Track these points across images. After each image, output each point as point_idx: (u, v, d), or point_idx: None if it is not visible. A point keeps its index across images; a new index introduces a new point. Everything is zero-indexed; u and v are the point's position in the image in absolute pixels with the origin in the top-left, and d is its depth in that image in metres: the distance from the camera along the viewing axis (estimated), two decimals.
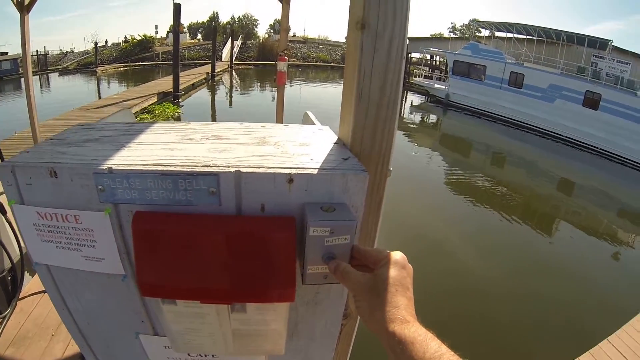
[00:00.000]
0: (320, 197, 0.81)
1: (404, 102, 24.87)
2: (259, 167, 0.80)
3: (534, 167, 13.88)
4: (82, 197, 0.82)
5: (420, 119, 21.10)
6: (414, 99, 26.39)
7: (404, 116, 20.34)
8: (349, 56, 0.93)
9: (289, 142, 1.00)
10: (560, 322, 4.95)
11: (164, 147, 0.92)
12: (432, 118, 21.72)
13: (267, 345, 0.93)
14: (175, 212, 0.81)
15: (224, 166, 0.80)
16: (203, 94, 23.58)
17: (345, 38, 0.98)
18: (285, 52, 4.76)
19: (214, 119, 16.10)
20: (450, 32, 65.12)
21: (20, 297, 3.06)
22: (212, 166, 0.80)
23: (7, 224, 2.99)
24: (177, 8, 17.06)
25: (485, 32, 29.50)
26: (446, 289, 5.41)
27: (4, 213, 2.92)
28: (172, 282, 0.77)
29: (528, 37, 24.20)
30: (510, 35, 25.03)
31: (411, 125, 18.81)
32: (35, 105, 5.70)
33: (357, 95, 0.88)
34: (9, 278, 2.99)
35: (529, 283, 5.88)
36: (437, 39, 44.86)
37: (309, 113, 1.57)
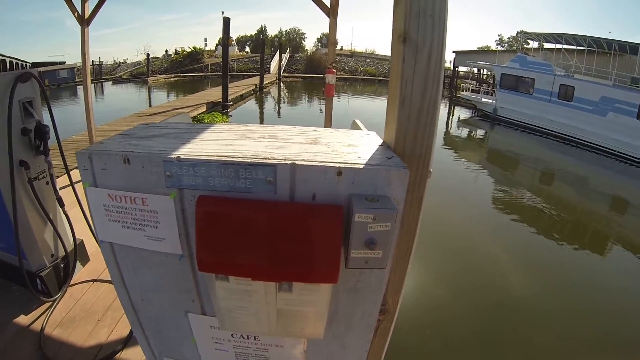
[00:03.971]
0: (365, 189, 0.88)
1: (451, 116, 24.35)
2: (312, 161, 0.89)
3: (585, 184, 13.20)
4: (150, 182, 0.94)
5: (467, 133, 20.49)
6: (461, 113, 25.64)
7: (451, 131, 19.92)
8: (393, 66, 1.01)
9: (339, 142, 1.08)
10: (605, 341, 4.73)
11: (225, 144, 1.03)
12: (480, 133, 20.97)
13: (308, 327, 1.00)
14: (223, 197, 0.91)
15: (280, 159, 0.89)
16: (251, 105, 24.04)
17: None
18: (333, 65, 4.82)
19: None
20: (497, 44, 63.63)
21: (70, 283, 3.29)
22: (269, 159, 0.89)
23: (64, 216, 3.20)
24: (226, 22, 17.69)
25: (533, 44, 28.58)
26: (484, 303, 5.27)
27: (62, 205, 3.13)
28: (227, 259, 0.87)
29: (578, 47, 23.03)
30: (559, 46, 23.94)
31: (458, 140, 18.38)
32: (93, 111, 6.03)
33: (400, 101, 0.95)
34: (62, 265, 3.24)
35: (571, 302, 5.65)
36: (484, 51, 43.90)
37: (357, 121, 1.63)
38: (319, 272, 0.86)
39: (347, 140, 1.12)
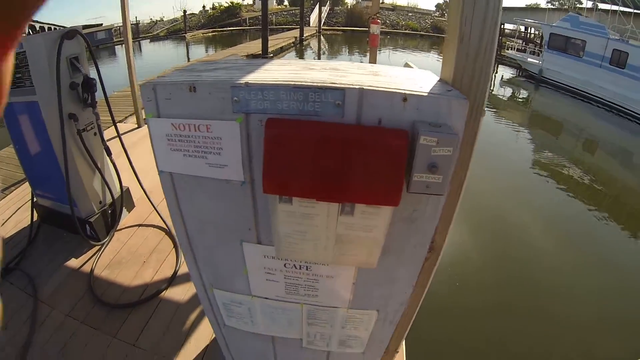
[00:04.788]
0: (428, 116, 0.91)
1: (494, 74, 23.42)
2: (379, 87, 0.91)
3: (630, 158, 12.62)
4: (216, 109, 0.97)
5: (510, 94, 19.49)
6: (504, 73, 24.35)
7: (493, 90, 18.94)
8: (452, 4, 1.02)
9: (399, 76, 1.10)
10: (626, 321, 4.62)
11: (290, 72, 1.06)
12: (523, 94, 19.91)
13: (363, 255, 1.06)
14: (292, 118, 0.94)
15: (349, 84, 0.92)
16: (291, 57, 23.60)
17: None
18: (377, 15, 4.75)
19: None
20: (547, 2, 60.00)
21: (118, 228, 3.49)
22: (338, 84, 0.92)
23: (111, 165, 3.34)
24: None
25: (587, 4, 26.75)
26: (513, 275, 5.22)
27: (110, 155, 3.27)
28: (294, 180, 0.91)
29: (635, 10, 21.24)
30: (615, 7, 22.35)
31: (500, 100, 17.60)
32: (135, 67, 6.15)
33: (459, 39, 0.96)
34: (109, 212, 3.43)
35: (602, 278, 5.52)
36: (533, 9, 41.57)
37: (410, 62, 1.66)
38: (383, 194, 0.90)
39: (406, 75, 1.14)
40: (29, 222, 3.60)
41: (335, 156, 0.88)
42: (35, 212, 3.57)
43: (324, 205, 0.97)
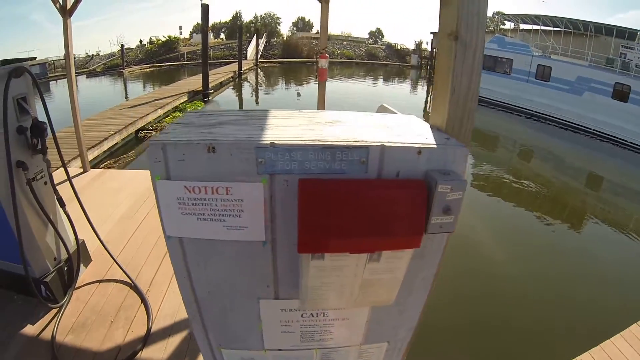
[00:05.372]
0: (437, 165, 1.01)
1: (429, 96, 24.57)
2: (396, 143, 0.99)
3: (562, 162, 13.80)
4: (237, 170, 0.95)
5: None
6: None
7: (430, 110, 20.13)
8: (442, 59, 1.17)
9: (401, 126, 1.20)
10: (570, 321, 4.88)
11: (304, 129, 1.08)
12: None
13: (384, 294, 1.14)
14: (323, 178, 0.97)
15: (371, 141, 0.98)
16: (230, 92, 23.88)
17: (436, 45, 1.23)
18: (325, 50, 4.84)
19: None
20: None
21: (76, 286, 3.23)
22: (361, 141, 0.97)
23: (64, 217, 3.12)
24: (205, 9, 17.38)
25: (510, 25, 28.97)
26: (467, 289, 5.37)
27: (63, 205, 3.06)
28: (329, 238, 0.94)
29: (555, 29, 23.61)
30: (536, 27, 24.53)
31: (386, 106, 18.65)
32: (78, 105, 5.96)
33: (451, 91, 1.12)
34: (65, 269, 3.16)
35: (550, 279, 5.86)
36: None
37: (386, 105, 1.71)
38: (407, 239, 0.99)
39: (407, 124, 1.24)
40: None
41: (366, 210, 0.93)
42: None
43: (353, 256, 1.01)
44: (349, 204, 0.93)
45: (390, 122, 1.26)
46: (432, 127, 1.20)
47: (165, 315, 2.93)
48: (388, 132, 1.10)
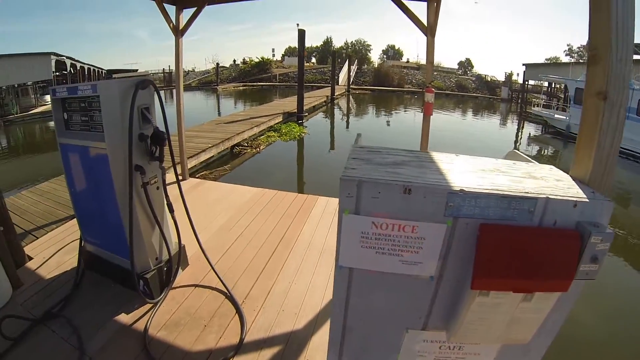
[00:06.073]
0: (588, 217, 1.10)
1: (520, 132, 23.39)
2: (557, 195, 1.10)
3: None
4: (427, 211, 1.08)
5: (538, 151, 19.13)
6: (531, 130, 24.22)
7: (520, 147, 18.83)
8: (588, 116, 1.26)
9: (546, 177, 1.28)
10: None
11: (477, 176, 1.20)
12: (552, 151, 19.48)
13: (523, 333, 1.22)
14: (501, 224, 1.09)
15: (538, 193, 1.10)
16: (321, 116, 24.25)
17: (582, 103, 1.29)
18: (431, 83, 4.81)
19: (332, 140, 16.79)
20: (566, 54, 60.52)
21: (172, 286, 3.43)
22: (530, 192, 1.09)
23: (172, 221, 3.33)
24: (301, 34, 18.44)
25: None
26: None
27: (172, 211, 3.28)
28: (500, 277, 1.07)
29: None
30: (637, 57, 21.89)
31: (518, 153, 17.52)
32: (184, 116, 6.43)
33: (596, 147, 1.22)
34: (165, 269, 3.38)
35: None
36: (556, 64, 42.15)
37: (517, 151, 1.81)
38: (558, 283, 1.09)
39: (549, 175, 1.32)
40: (73, 266, 3.60)
41: (532, 254, 1.05)
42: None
43: (512, 295, 1.11)
44: (519, 248, 1.04)
45: (537, 172, 1.34)
46: (574, 179, 1.28)
47: (258, 329, 2.97)
48: (546, 184, 1.19)
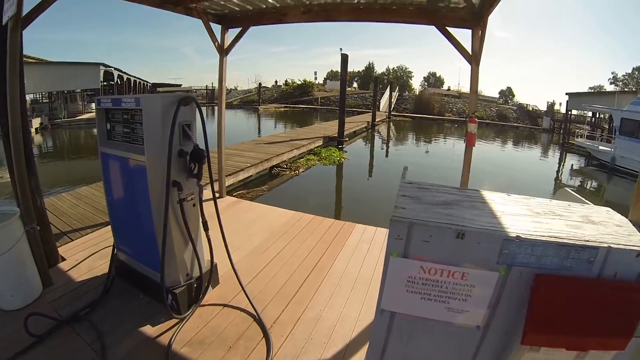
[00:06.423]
0: None
1: (562, 164, 22.43)
2: (619, 244, 1.02)
3: None
4: (479, 258, 1.03)
5: (580, 184, 18.01)
6: (573, 162, 23.04)
7: (562, 180, 18.05)
8: None
9: (605, 222, 1.22)
10: None
11: (532, 220, 1.14)
12: (595, 184, 18.26)
13: None
14: (558, 275, 1.02)
15: (599, 241, 1.02)
16: (361, 142, 24.27)
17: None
18: (474, 114, 4.69)
19: (371, 168, 16.54)
20: (611, 83, 58.84)
21: (201, 304, 3.41)
22: (590, 241, 1.02)
23: (206, 239, 3.34)
24: (344, 59, 18.74)
25: None
26: None
27: (207, 230, 3.31)
28: (554, 332, 0.99)
29: None
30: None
31: (570, 192, 16.77)
32: (225, 133, 6.52)
33: None
34: (195, 286, 3.38)
35: None
36: (600, 93, 40.86)
37: (568, 190, 1.81)
38: (616, 341, 1.01)
39: (607, 219, 1.26)
40: (103, 272, 3.65)
41: (590, 310, 0.98)
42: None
43: (565, 352, 1.04)
44: (577, 303, 0.98)
45: (594, 216, 1.28)
46: (634, 223, 1.22)
47: (285, 355, 2.90)
48: (606, 231, 1.13)
